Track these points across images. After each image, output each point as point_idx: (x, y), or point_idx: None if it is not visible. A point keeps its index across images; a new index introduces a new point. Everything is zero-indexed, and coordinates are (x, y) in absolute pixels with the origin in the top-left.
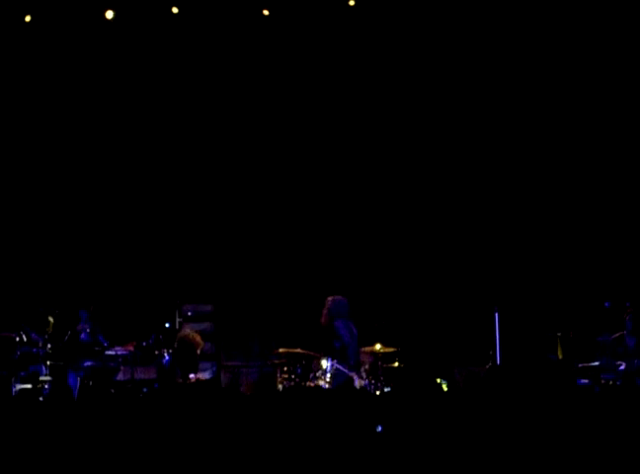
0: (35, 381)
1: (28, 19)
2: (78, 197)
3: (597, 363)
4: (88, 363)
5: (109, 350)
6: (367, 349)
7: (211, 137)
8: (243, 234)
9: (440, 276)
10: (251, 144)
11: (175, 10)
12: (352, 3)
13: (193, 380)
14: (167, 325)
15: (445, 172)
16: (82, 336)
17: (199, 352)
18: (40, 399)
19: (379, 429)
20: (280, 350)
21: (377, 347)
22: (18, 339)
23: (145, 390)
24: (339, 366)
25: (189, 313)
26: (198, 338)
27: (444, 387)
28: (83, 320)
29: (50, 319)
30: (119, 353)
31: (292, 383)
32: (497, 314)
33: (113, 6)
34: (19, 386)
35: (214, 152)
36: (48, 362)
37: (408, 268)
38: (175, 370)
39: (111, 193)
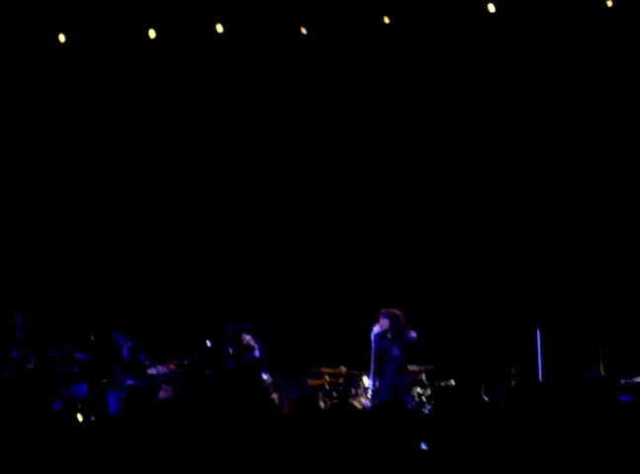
0: (76, 400)
1: (62, 39)
2: (120, 218)
3: None
4: (130, 382)
5: (150, 368)
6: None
7: (248, 161)
8: (284, 252)
9: (482, 293)
10: (286, 169)
11: (220, 28)
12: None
13: None
14: (208, 343)
15: (485, 191)
16: (124, 353)
17: None
18: (81, 417)
19: (423, 446)
20: (322, 368)
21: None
22: (60, 357)
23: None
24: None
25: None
26: None
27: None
28: (119, 340)
29: (92, 338)
30: (160, 371)
31: (334, 401)
32: (539, 330)
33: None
34: (61, 405)
35: (252, 179)
36: (90, 382)
37: (449, 285)
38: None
39: (155, 214)
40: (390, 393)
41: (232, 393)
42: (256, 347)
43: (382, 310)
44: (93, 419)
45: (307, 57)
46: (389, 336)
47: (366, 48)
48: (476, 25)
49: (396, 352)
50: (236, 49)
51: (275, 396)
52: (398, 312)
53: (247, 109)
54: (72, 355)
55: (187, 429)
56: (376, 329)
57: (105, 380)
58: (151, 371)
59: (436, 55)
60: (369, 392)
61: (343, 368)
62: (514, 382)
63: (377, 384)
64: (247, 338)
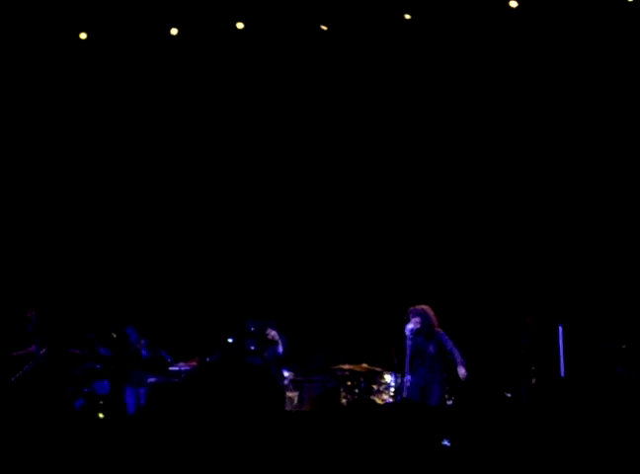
0: (96, 397)
1: (83, 36)
2: (142, 216)
3: None
4: (151, 380)
5: (172, 365)
6: None
7: (270, 156)
8: (306, 249)
9: (503, 290)
10: (311, 165)
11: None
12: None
13: None
14: (230, 340)
15: (505, 188)
16: (143, 352)
17: None
18: (101, 415)
19: (446, 443)
20: (344, 365)
21: None
22: (81, 354)
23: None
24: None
25: (252, 328)
26: None
27: None
28: (134, 337)
29: (114, 335)
30: (182, 368)
31: (356, 398)
32: (561, 327)
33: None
34: (82, 402)
35: (275, 175)
36: (111, 379)
37: (469, 282)
38: None
39: (175, 210)
40: (420, 393)
41: (249, 390)
42: (280, 342)
43: (411, 308)
44: (116, 415)
45: (318, 55)
46: (423, 333)
47: (376, 46)
48: (492, 22)
49: (432, 349)
50: (250, 48)
51: (294, 394)
52: (425, 307)
53: (267, 106)
54: (95, 347)
55: (205, 425)
56: (411, 326)
57: (123, 377)
58: (173, 368)
59: (446, 53)
60: (391, 389)
61: (364, 365)
62: (534, 380)
63: (409, 382)
64: (272, 333)
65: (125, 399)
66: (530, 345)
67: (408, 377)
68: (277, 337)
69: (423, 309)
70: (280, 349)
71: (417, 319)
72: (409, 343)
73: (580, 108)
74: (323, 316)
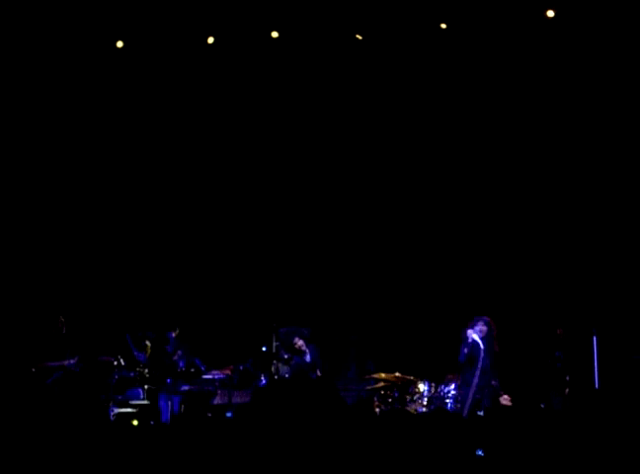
0: (131, 405)
1: (120, 44)
2: (174, 225)
3: None
4: (185, 387)
5: (206, 374)
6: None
7: (296, 162)
8: (339, 258)
9: (537, 301)
10: (349, 174)
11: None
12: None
13: None
14: (263, 349)
15: (539, 198)
16: (178, 362)
17: None
18: (135, 422)
19: (480, 453)
20: (378, 374)
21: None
22: (116, 363)
23: (230, 415)
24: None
25: (281, 337)
26: None
27: None
28: (172, 342)
29: (148, 343)
30: (216, 377)
31: (390, 407)
32: (595, 338)
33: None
34: (116, 410)
35: (308, 184)
36: (145, 386)
37: (504, 292)
38: None
39: (208, 219)
40: (473, 405)
41: (288, 398)
42: (307, 351)
43: (479, 317)
44: (151, 423)
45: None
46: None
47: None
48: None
49: (487, 360)
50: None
51: None
52: (491, 320)
53: (299, 113)
54: (131, 350)
55: (242, 433)
56: (480, 333)
57: (158, 385)
58: (207, 376)
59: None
60: (425, 398)
61: (397, 374)
62: (568, 391)
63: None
64: (299, 343)
65: (159, 406)
66: (564, 356)
67: (471, 389)
68: (304, 347)
69: (489, 320)
70: (308, 357)
71: (484, 328)
72: (483, 348)
73: (601, 115)
74: (352, 325)
